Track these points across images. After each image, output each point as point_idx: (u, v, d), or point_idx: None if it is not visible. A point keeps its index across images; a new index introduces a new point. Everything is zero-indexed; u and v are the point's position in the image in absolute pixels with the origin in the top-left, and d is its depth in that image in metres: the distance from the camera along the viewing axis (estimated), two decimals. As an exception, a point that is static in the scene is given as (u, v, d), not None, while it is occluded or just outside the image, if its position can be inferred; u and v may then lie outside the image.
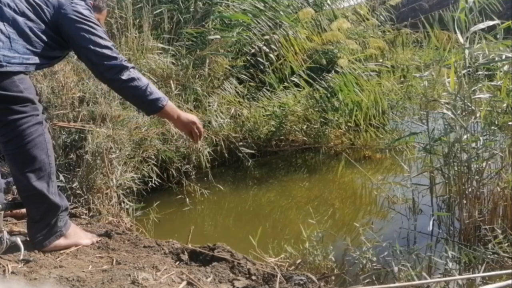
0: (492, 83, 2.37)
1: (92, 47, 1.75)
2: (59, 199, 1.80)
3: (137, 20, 3.98)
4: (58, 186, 1.94)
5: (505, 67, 2.30)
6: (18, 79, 1.66)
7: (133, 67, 1.83)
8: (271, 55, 4.54)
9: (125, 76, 1.78)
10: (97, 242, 1.95)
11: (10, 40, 1.63)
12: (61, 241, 1.83)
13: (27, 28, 1.68)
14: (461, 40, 2.21)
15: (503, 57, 2.26)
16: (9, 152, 1.71)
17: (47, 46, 1.74)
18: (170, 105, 1.89)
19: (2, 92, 1.62)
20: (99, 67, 1.79)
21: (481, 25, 2.18)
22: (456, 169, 2.36)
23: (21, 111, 1.67)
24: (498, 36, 2.25)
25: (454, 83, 2.30)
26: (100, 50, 1.76)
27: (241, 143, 3.94)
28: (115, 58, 1.78)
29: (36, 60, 1.71)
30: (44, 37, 1.72)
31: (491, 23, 2.23)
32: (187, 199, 3.20)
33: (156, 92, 1.85)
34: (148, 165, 3.10)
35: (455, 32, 2.23)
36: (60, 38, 1.78)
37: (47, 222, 1.77)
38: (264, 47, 4.52)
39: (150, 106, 1.86)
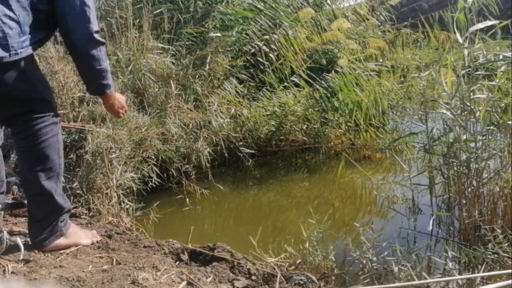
0: (492, 83, 2.37)
1: (77, 9, 1.61)
2: (63, 200, 1.81)
3: (137, 20, 3.98)
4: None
5: (503, 67, 2.30)
6: (37, 79, 1.68)
7: (105, 45, 1.74)
8: (271, 55, 4.53)
9: (97, 51, 1.66)
10: (97, 242, 1.96)
11: (20, 25, 1.56)
12: (61, 241, 1.83)
13: (28, 7, 1.59)
14: (460, 40, 2.22)
15: (501, 57, 2.26)
16: (22, 149, 1.71)
17: (44, 21, 1.65)
18: (113, 92, 1.83)
19: (22, 93, 1.63)
20: (76, 30, 1.63)
21: (480, 25, 2.18)
22: (455, 169, 2.36)
23: (39, 110, 1.69)
24: (497, 35, 2.25)
25: (451, 83, 2.30)
26: (85, 14, 1.61)
27: (241, 143, 3.94)
28: (97, 31, 1.66)
29: (41, 35, 1.66)
30: (40, 8, 1.62)
31: (489, 23, 2.23)
32: (187, 199, 3.20)
33: (109, 77, 1.76)
34: (148, 165, 3.10)
35: (454, 32, 2.23)
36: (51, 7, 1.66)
37: (49, 223, 1.78)
38: (264, 47, 4.52)
39: (99, 88, 1.78)
